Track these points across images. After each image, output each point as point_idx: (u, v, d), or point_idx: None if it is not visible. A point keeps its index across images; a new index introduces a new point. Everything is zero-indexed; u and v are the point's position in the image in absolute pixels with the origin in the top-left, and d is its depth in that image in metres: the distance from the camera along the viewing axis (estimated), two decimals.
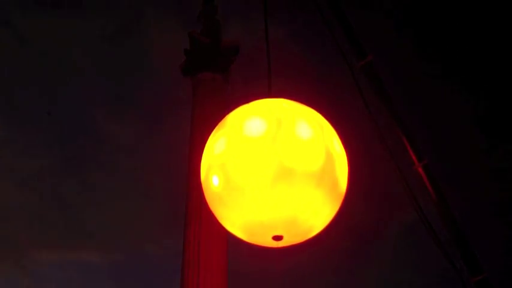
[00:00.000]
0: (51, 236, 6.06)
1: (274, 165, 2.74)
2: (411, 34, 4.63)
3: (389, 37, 4.59)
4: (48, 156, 5.72)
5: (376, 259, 5.64)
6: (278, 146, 2.77)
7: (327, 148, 2.88)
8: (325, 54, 4.69)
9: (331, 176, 2.87)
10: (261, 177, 2.75)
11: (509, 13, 4.66)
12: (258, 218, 2.84)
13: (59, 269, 6.34)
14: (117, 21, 4.79)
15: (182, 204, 4.32)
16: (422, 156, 4.61)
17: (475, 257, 4.52)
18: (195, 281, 4.00)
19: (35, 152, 5.72)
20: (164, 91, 5.11)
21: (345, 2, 4.16)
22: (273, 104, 2.98)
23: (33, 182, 5.87)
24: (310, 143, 2.84)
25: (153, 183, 5.56)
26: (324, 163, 2.83)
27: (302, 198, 2.79)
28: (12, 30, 4.86)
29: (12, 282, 6.33)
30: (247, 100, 3.03)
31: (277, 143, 2.78)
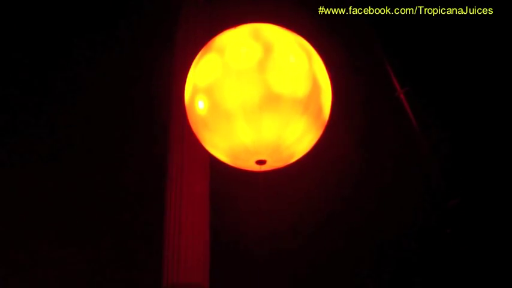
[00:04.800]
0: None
1: (262, 91, 2.74)
2: None
3: None
4: None
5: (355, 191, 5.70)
6: (266, 72, 2.75)
7: (313, 76, 2.87)
8: None
9: (317, 103, 2.88)
10: (248, 102, 2.74)
11: None
12: (243, 142, 2.85)
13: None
14: None
15: (165, 129, 4.30)
16: (405, 83, 4.63)
17: (453, 180, 4.61)
18: (178, 202, 4.04)
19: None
20: (145, 17, 4.96)
21: None
22: (261, 29, 2.93)
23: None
24: (298, 70, 2.83)
25: (134, 111, 5.46)
26: (311, 91, 2.83)
27: (287, 124, 2.81)
28: None
29: None
30: (233, 24, 2.97)
31: (265, 68, 2.75)
